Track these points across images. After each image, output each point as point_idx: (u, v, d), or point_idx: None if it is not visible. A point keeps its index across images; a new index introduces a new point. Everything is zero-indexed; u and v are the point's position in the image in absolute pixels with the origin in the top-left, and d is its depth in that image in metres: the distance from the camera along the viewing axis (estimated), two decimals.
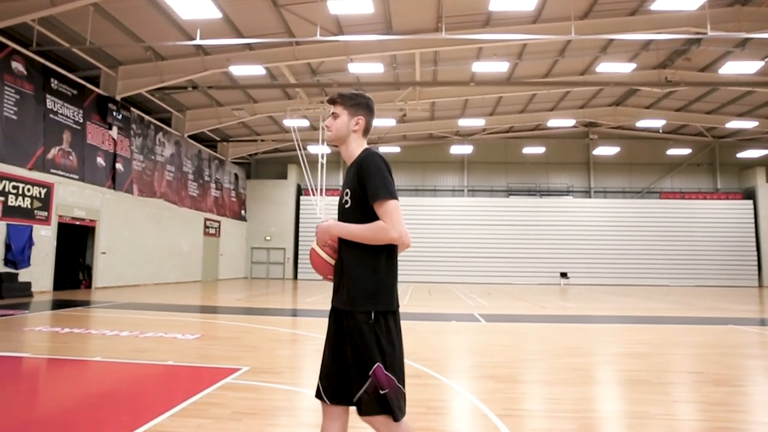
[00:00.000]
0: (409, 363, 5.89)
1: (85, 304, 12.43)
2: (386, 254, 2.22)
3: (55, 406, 3.98)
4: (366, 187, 2.19)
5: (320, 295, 17.40)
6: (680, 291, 23.85)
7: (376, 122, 24.60)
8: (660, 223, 30.42)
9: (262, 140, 28.57)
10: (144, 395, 4.38)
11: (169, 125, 23.58)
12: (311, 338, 7.73)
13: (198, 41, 15.02)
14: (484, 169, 32.60)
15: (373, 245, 2.18)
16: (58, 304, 12.17)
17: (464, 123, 26.03)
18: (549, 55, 20.89)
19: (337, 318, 2.28)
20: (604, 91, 25.37)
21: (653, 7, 13.60)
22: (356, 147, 2.40)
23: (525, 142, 31.55)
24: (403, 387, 2.21)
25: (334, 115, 2.41)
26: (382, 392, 2.12)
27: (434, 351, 6.93)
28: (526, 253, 30.47)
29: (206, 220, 26.20)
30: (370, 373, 2.12)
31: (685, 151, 30.62)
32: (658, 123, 26.53)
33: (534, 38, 17.01)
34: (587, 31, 16.85)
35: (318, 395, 2.29)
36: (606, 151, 29.28)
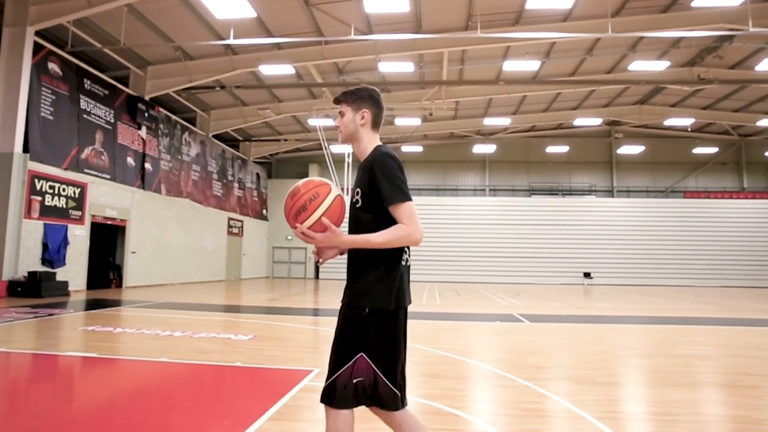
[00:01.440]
0: (476, 364, 5.82)
1: (123, 303, 12.47)
2: (393, 255, 2.19)
3: (149, 409, 3.96)
4: (379, 188, 2.15)
5: None
6: (708, 292, 23.56)
7: (402, 121, 24.69)
8: (684, 222, 30.08)
9: (285, 140, 28.60)
10: (232, 398, 4.34)
11: (193, 125, 23.67)
12: None
13: (231, 41, 15.04)
14: (506, 168, 32.42)
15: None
16: (97, 304, 12.22)
17: (489, 122, 25.88)
18: (577, 54, 20.71)
19: (340, 309, 2.29)
20: (630, 90, 25.13)
21: (694, 3, 13.37)
22: (368, 143, 2.35)
23: (547, 141, 31.35)
24: (396, 387, 2.19)
25: (341, 114, 2.39)
26: (355, 381, 2.13)
27: (495, 352, 6.84)
28: (548, 252, 30.26)
29: (230, 219, 26.29)
30: (352, 361, 2.13)
31: (711, 150, 30.21)
32: (686, 121, 26.18)
33: (570, 36, 16.83)
34: (622, 28, 16.65)
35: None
36: (630, 150, 28.98)
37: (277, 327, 8.86)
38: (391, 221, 2.15)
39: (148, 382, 4.84)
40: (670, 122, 26.40)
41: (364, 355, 2.13)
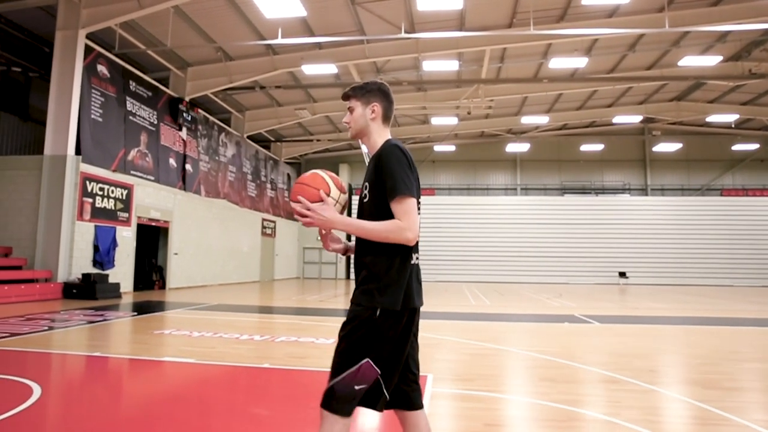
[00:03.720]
0: (586, 368, 5.61)
1: (179, 306, 12.41)
2: (402, 253, 2.09)
3: (307, 420, 3.82)
4: (384, 181, 2.07)
5: None
6: (751, 292, 23.07)
7: (438, 121, 24.49)
8: (721, 221, 29.53)
9: (318, 140, 28.51)
10: None
11: (228, 125, 23.65)
12: (454, 342, 7.50)
13: (280, 40, 14.96)
14: (537, 167, 32.07)
15: (389, 244, 2.07)
16: (153, 306, 12.18)
17: (526, 120, 25.64)
18: (618, 50, 20.38)
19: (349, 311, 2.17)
20: (667, 86, 24.71)
21: None
22: (378, 137, 2.27)
23: (579, 139, 30.93)
24: (385, 388, 2.08)
25: (350, 110, 2.32)
26: (357, 388, 2.02)
27: (593, 354, 6.62)
28: (582, 252, 29.89)
29: (263, 220, 26.26)
30: (356, 366, 2.01)
31: (751, 147, 29.56)
32: (730, 118, 25.64)
33: (625, 32, 16.57)
34: (676, 22, 16.26)
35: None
36: (667, 147, 28.51)
37: None
38: (393, 217, 2.07)
39: (280, 391, 4.70)
40: (712, 119, 25.86)
41: (370, 360, 2.02)
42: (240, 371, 5.38)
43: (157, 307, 11.99)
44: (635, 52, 20.26)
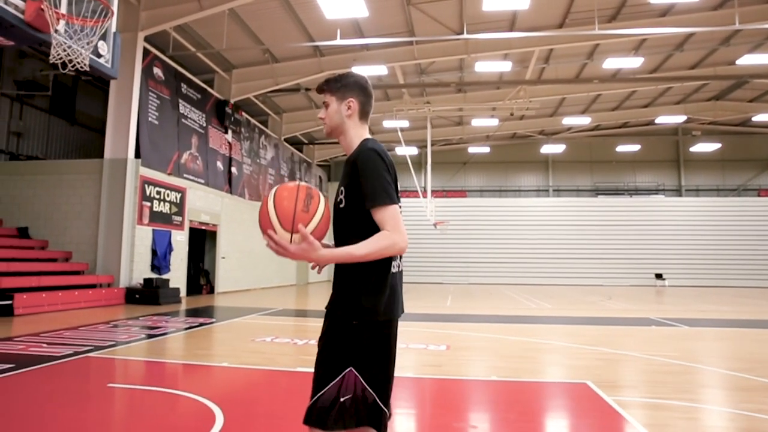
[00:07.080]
0: (736, 375, 5.38)
1: (248, 311, 12.23)
2: (383, 260, 1.94)
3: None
4: (362, 187, 1.92)
5: (466, 300, 16.99)
6: None
7: (478, 122, 24.26)
8: (759, 221, 29.15)
9: None
10: (555, 418, 3.99)
11: (266, 127, 23.51)
12: (564, 347, 7.29)
13: (338, 41, 14.81)
14: (569, 168, 31.79)
15: None
16: (222, 312, 12.03)
17: (567, 122, 25.46)
18: (665, 49, 20.12)
19: (325, 318, 2.07)
20: (707, 86, 24.42)
21: None
22: (355, 135, 2.11)
23: (611, 140, 30.64)
24: (383, 403, 1.93)
25: (325, 105, 2.15)
26: (343, 399, 1.88)
27: (722, 360, 6.38)
28: (616, 253, 29.60)
29: None
30: (339, 377, 1.90)
31: None
32: None
33: (686, 30, 16.44)
34: (739, 19, 15.96)
35: None
36: (705, 147, 28.20)
37: (451, 335, 8.49)
38: (375, 224, 1.91)
39: (463, 403, 4.51)
40: (758, 118, 25.54)
41: (353, 369, 1.91)
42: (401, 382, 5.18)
43: (226, 312, 11.82)
44: (683, 51, 19.99)
